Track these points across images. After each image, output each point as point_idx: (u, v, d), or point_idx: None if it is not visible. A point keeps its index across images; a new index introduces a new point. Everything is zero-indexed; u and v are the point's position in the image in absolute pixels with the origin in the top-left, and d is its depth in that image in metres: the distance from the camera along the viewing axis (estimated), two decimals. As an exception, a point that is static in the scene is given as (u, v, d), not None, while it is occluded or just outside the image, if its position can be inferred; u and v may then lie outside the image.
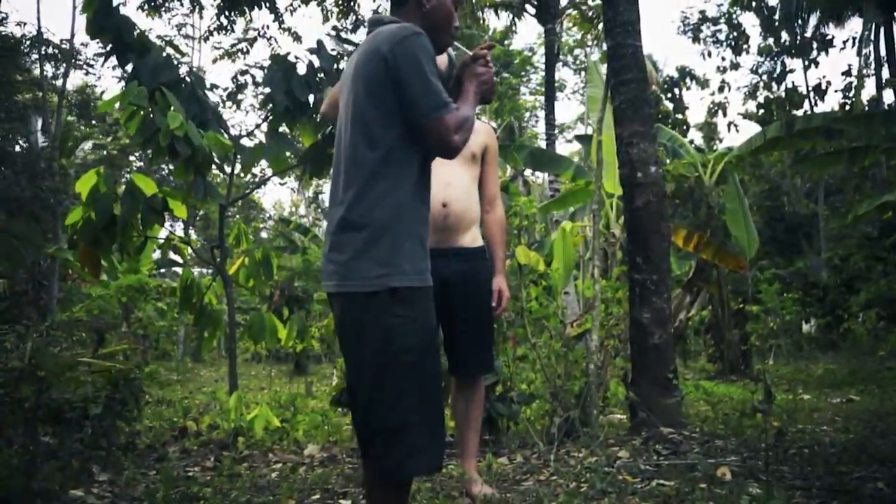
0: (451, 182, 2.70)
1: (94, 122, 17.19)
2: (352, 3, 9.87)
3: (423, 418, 1.69)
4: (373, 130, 1.70)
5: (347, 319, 1.75)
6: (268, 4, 8.60)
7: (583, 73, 26.13)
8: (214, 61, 22.22)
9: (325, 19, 10.04)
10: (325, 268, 1.79)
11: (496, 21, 18.53)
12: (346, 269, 1.71)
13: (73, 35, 13.08)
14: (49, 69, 14.28)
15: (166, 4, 9.98)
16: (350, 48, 5.29)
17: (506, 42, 22.21)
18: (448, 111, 1.68)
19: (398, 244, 1.70)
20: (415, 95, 1.67)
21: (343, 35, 9.69)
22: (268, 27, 16.29)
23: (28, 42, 12.64)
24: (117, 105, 4.30)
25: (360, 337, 1.72)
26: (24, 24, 18.66)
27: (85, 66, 14.13)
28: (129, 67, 4.71)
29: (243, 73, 10.10)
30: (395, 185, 1.71)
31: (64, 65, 13.27)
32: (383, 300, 1.68)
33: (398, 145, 1.71)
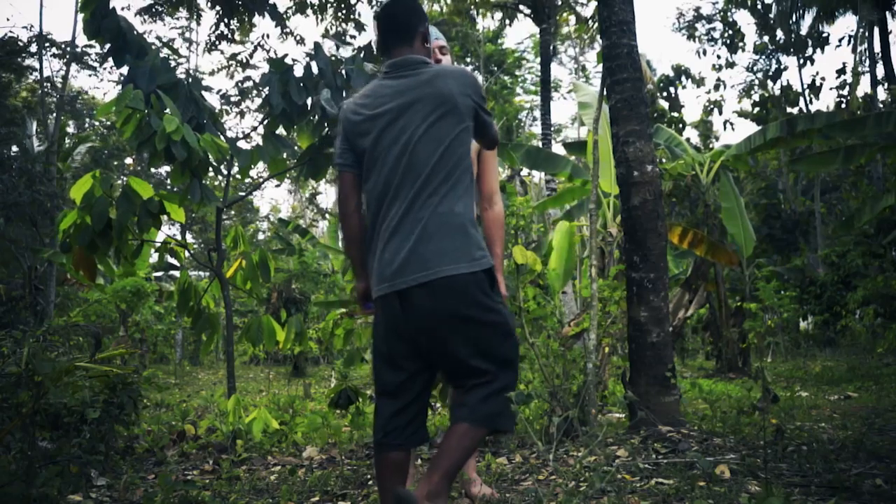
0: None
1: (93, 124, 17.16)
2: (351, 13, 9.86)
3: (515, 386, 2.13)
4: (455, 148, 2.13)
5: (456, 300, 2.02)
6: (268, 11, 8.60)
7: (574, 68, 26.18)
8: (212, 73, 22.10)
9: (325, 33, 10.02)
10: (411, 258, 2.03)
11: (490, 21, 18.57)
12: (450, 256, 2.03)
13: (74, 37, 13.06)
14: (51, 68, 14.28)
15: (165, 11, 9.97)
16: (349, 49, 5.29)
17: (499, 41, 22.24)
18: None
19: (478, 232, 2.13)
20: (491, 124, 2.28)
21: (345, 39, 9.71)
22: (268, 36, 16.34)
23: (32, 43, 12.63)
24: (114, 109, 4.29)
25: (472, 311, 2.04)
26: (32, 26, 18.55)
27: (92, 67, 14.11)
28: (127, 69, 4.71)
29: (246, 79, 10.13)
30: (468, 187, 2.15)
31: (65, 67, 13.28)
32: (481, 278, 2.06)
33: (467, 158, 2.17)
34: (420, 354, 2.09)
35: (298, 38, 10.36)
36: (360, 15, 9.98)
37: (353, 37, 9.95)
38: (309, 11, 9.88)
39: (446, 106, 2.13)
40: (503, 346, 2.08)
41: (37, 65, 13.48)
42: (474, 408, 2.03)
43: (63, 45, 13.49)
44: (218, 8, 8.80)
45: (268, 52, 10.69)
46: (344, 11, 9.79)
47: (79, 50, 13.29)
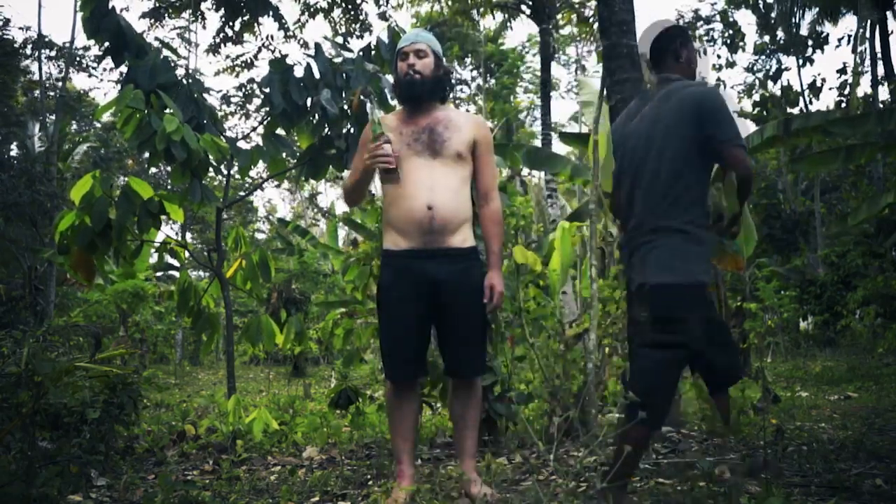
0: (436, 185, 2.65)
1: (93, 125, 17.17)
2: (359, 14, 9.85)
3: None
4: (691, 161, 2.33)
5: (661, 307, 2.30)
6: (272, 14, 8.60)
7: (573, 68, 26.16)
8: (217, 73, 22.09)
9: (335, 33, 10.00)
10: (639, 264, 2.37)
11: (490, 20, 18.55)
12: (678, 265, 2.28)
13: (73, 38, 13.09)
14: (50, 70, 14.30)
15: (168, 13, 9.96)
16: (348, 54, 5.29)
17: (499, 41, 22.23)
18: (741, 142, 2.30)
19: (699, 246, 2.32)
20: (718, 128, 2.29)
21: (349, 40, 9.72)
22: (272, 37, 16.31)
23: (30, 45, 12.65)
24: (113, 109, 4.29)
25: (693, 316, 2.29)
26: (28, 28, 18.59)
27: (88, 69, 14.13)
28: (126, 69, 4.71)
29: (250, 81, 10.08)
30: (691, 203, 2.33)
31: (64, 68, 13.29)
32: (700, 291, 2.31)
33: (688, 176, 2.34)
34: None
35: (301, 41, 10.36)
36: (366, 15, 9.95)
37: (359, 37, 9.92)
38: (319, 15, 9.88)
39: (665, 128, 2.35)
40: (729, 333, 2.46)
41: (32, 66, 13.54)
42: (728, 377, 2.66)
43: (61, 46, 13.52)
44: (222, 10, 8.80)
45: (273, 51, 10.70)
46: (352, 12, 9.78)
47: (75, 52, 13.29)
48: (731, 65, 20.46)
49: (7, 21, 11.62)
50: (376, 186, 3.02)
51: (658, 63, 2.53)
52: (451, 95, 3.01)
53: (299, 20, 9.98)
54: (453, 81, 3.02)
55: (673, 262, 2.28)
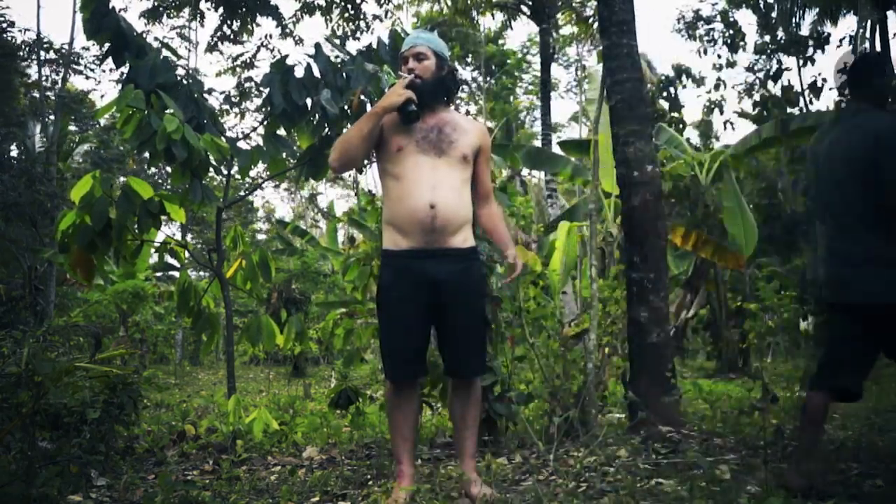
0: (439, 184, 2.66)
1: (92, 125, 17.16)
2: (358, 12, 9.85)
3: None
4: (876, 189, 2.49)
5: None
6: (270, 13, 8.61)
7: (573, 69, 26.18)
8: (218, 74, 22.00)
9: (333, 33, 10.00)
10: (857, 277, 2.56)
11: (491, 21, 18.57)
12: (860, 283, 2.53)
13: (72, 40, 13.09)
14: (48, 72, 14.30)
15: (167, 13, 9.96)
16: (345, 56, 5.29)
17: (500, 42, 22.26)
18: None
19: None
20: (886, 162, 2.46)
21: (347, 40, 9.73)
22: (271, 36, 16.31)
23: (27, 47, 12.66)
24: (114, 109, 4.28)
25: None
26: (27, 30, 18.62)
27: (84, 71, 14.15)
28: (126, 69, 4.71)
29: (247, 79, 10.09)
30: (873, 224, 2.52)
31: (63, 69, 13.30)
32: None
33: (876, 197, 2.51)
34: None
35: (297, 38, 10.35)
36: (365, 15, 9.92)
37: (356, 38, 9.91)
38: (317, 13, 9.86)
39: (852, 156, 2.56)
40: None
41: (30, 68, 13.55)
42: None
43: (58, 48, 13.54)
44: (221, 9, 8.79)
45: (272, 51, 10.69)
46: (351, 11, 9.77)
47: (73, 54, 13.32)
48: (731, 65, 20.43)
49: (11, 24, 11.61)
50: (377, 186, 3.03)
51: (853, 90, 2.75)
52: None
53: (295, 15, 9.97)
54: (458, 80, 3.01)
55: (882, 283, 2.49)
